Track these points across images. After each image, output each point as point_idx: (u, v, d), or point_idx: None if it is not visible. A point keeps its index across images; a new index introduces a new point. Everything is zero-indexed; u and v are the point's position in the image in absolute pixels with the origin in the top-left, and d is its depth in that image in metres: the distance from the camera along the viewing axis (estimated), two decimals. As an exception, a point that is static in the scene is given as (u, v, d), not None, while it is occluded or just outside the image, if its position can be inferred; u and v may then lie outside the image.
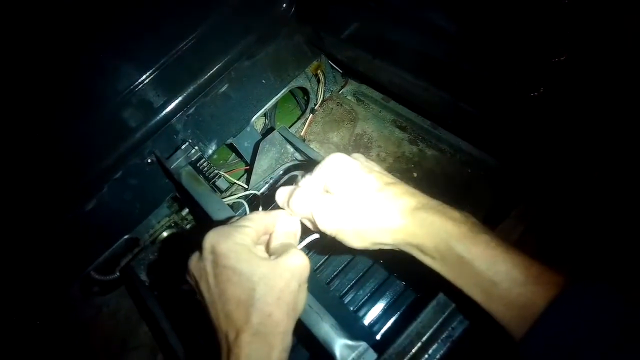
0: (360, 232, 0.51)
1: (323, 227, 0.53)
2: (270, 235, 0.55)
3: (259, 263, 0.48)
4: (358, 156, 0.57)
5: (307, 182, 0.56)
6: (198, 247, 0.51)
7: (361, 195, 0.51)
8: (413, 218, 0.49)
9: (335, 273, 0.88)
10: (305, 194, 0.55)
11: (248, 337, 0.46)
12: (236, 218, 0.55)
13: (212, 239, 0.49)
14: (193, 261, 0.51)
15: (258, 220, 0.53)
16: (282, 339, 0.47)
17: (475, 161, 1.05)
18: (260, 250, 0.54)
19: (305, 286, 0.51)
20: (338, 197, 0.52)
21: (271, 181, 1.08)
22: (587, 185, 0.67)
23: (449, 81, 0.88)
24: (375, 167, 0.56)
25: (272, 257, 0.50)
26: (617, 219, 0.63)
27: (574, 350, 0.39)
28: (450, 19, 0.81)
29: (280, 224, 0.55)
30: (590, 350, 0.38)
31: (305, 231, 0.58)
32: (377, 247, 0.52)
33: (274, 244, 0.53)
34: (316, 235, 0.58)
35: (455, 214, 0.49)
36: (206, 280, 0.49)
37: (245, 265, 0.47)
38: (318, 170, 0.55)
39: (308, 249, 0.90)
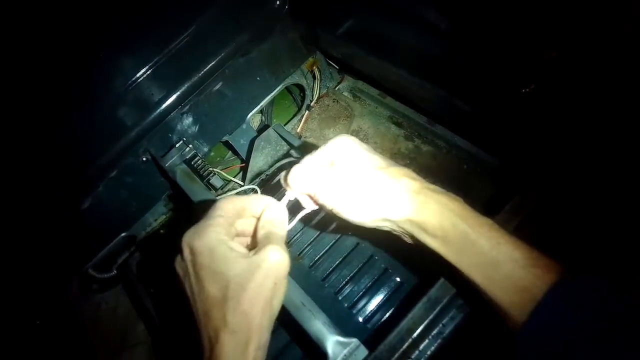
0: (363, 206, 0.51)
1: (324, 200, 0.53)
2: (256, 222, 0.53)
3: (234, 260, 0.47)
4: (363, 143, 0.57)
5: (310, 157, 0.56)
6: (178, 247, 0.50)
7: (366, 171, 0.51)
8: (419, 195, 0.49)
9: (331, 269, 0.88)
10: (306, 168, 0.54)
11: (226, 336, 0.46)
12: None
13: (188, 237, 0.49)
14: (177, 261, 0.51)
15: (226, 207, 0.52)
16: (257, 336, 0.47)
17: (471, 157, 1.05)
18: (240, 242, 0.53)
19: (283, 282, 0.50)
20: (342, 171, 0.53)
21: (266, 178, 1.08)
22: (580, 179, 0.67)
23: (443, 78, 0.88)
24: (380, 155, 0.56)
25: (252, 252, 0.50)
26: (611, 213, 0.63)
27: (574, 336, 0.39)
28: (443, 16, 0.81)
29: (266, 211, 0.53)
30: (589, 337, 0.39)
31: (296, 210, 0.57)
32: (377, 223, 0.52)
33: (260, 233, 0.52)
34: (306, 211, 0.57)
35: (459, 198, 0.50)
36: (188, 280, 0.49)
37: (220, 263, 0.47)
38: (324, 147, 0.55)
39: (303, 244, 0.90)
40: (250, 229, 0.54)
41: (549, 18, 0.58)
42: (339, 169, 0.53)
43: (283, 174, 0.57)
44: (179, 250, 0.50)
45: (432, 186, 0.51)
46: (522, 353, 0.42)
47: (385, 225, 0.53)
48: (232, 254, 0.48)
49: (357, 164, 0.52)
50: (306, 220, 0.58)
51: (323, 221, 0.89)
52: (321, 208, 0.56)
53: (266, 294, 0.47)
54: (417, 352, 0.58)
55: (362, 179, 0.51)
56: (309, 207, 0.58)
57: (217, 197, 0.97)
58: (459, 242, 0.47)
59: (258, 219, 0.54)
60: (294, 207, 0.58)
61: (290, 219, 0.57)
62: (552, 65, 0.62)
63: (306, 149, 1.02)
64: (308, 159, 0.56)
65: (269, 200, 0.54)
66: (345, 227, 0.54)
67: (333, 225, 0.89)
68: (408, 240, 0.54)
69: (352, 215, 0.52)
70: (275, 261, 0.48)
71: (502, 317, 0.45)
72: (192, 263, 0.48)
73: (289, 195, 0.57)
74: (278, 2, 1.10)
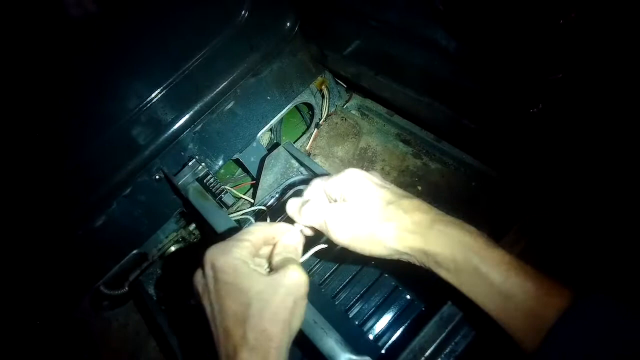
0: (376, 240, 0.52)
1: (336, 236, 0.54)
2: (273, 247, 0.55)
3: (256, 279, 0.49)
4: (375, 173, 0.58)
5: (319, 190, 0.57)
6: (200, 262, 0.52)
7: (378, 205, 0.52)
8: (431, 229, 0.50)
9: (341, 287, 0.89)
10: (318, 203, 0.55)
11: (245, 354, 0.47)
12: (237, 233, 0.55)
13: (211, 254, 0.50)
14: (197, 277, 0.52)
15: (257, 233, 0.54)
16: (276, 354, 0.48)
17: (478, 174, 1.06)
18: (260, 264, 0.55)
19: (303, 302, 0.51)
20: (353, 205, 0.53)
21: (277, 195, 1.10)
22: (586, 199, 0.68)
23: (450, 97, 0.90)
24: (391, 184, 0.57)
25: (271, 272, 0.51)
26: (617, 232, 0.64)
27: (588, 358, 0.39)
28: (450, 36, 0.83)
29: (282, 237, 0.55)
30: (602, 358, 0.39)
31: (310, 243, 0.59)
32: (391, 256, 0.53)
33: (276, 259, 0.54)
34: (321, 246, 0.58)
35: (472, 228, 0.50)
36: (208, 296, 0.50)
37: (242, 280, 0.48)
38: (334, 180, 0.56)
39: (313, 263, 0.91)
40: (267, 254, 0.56)
41: (555, 39, 0.60)
42: (350, 205, 0.54)
43: (292, 203, 0.58)
44: (201, 266, 0.51)
45: (445, 217, 0.51)
46: None
47: (404, 258, 0.53)
48: (254, 272, 0.49)
49: (367, 200, 0.53)
50: (317, 239, 0.59)
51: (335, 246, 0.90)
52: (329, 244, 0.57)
53: (286, 312, 0.49)
54: (430, 370, 0.58)
55: (375, 216, 0.52)
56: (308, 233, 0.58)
57: (230, 216, 0.99)
58: (471, 275, 0.48)
59: (274, 244, 0.55)
60: (308, 241, 0.59)
61: (304, 252, 0.58)
62: (560, 85, 0.63)
63: (315, 168, 1.03)
64: (318, 190, 0.57)
65: (287, 227, 0.56)
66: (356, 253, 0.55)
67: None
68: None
69: (366, 251, 0.53)
70: (296, 281, 0.49)
71: (517, 343, 0.45)
72: (214, 280, 0.49)
73: (299, 227, 0.58)
74: (288, 24, 1.13)
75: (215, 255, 0.50)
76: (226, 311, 0.48)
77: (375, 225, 0.51)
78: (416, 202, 0.53)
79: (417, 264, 0.53)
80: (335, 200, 0.56)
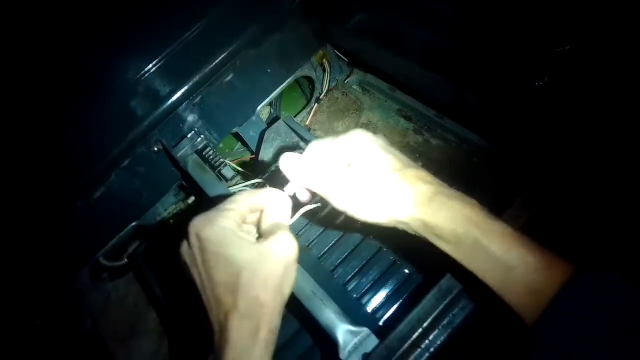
0: (376, 209, 0.51)
1: (337, 202, 0.53)
2: (261, 213, 0.54)
3: (245, 246, 0.48)
4: (380, 136, 0.57)
5: (320, 154, 0.56)
6: (185, 233, 0.51)
7: (382, 173, 0.51)
8: (433, 201, 0.49)
9: (339, 261, 0.89)
10: (320, 167, 0.54)
11: (236, 320, 0.47)
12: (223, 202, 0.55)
13: (195, 225, 0.50)
14: (183, 248, 0.52)
15: (242, 202, 0.53)
16: (268, 320, 0.48)
17: (480, 151, 1.05)
18: (248, 231, 0.54)
19: (293, 267, 0.51)
20: (357, 173, 0.52)
21: (276, 169, 1.09)
22: (589, 175, 0.68)
23: (454, 71, 0.88)
24: (396, 150, 0.56)
25: (260, 239, 0.51)
26: (620, 209, 0.64)
27: (587, 334, 0.40)
28: (455, 9, 0.81)
29: (270, 202, 0.54)
30: (601, 336, 0.39)
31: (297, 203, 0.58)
32: (390, 224, 0.52)
33: (264, 224, 0.53)
34: (310, 206, 0.58)
35: (473, 200, 0.50)
36: (196, 266, 0.50)
37: (230, 249, 0.48)
38: (338, 141, 0.55)
39: (314, 234, 0.91)
40: (255, 220, 0.55)
41: (562, 9, 0.58)
42: (354, 171, 0.53)
43: (287, 160, 0.55)
44: (185, 237, 0.51)
45: (447, 190, 0.51)
46: (537, 352, 0.42)
47: (399, 226, 0.53)
48: (242, 241, 0.49)
49: (372, 166, 0.52)
50: (314, 212, 0.59)
51: (331, 213, 0.90)
52: (328, 204, 0.55)
53: (277, 279, 0.49)
54: (427, 341, 0.59)
55: (377, 182, 0.51)
56: (305, 198, 0.57)
57: (230, 189, 0.98)
58: (471, 248, 0.47)
59: (261, 210, 0.54)
60: (297, 203, 0.58)
61: (293, 214, 0.57)
62: (566, 58, 0.62)
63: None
64: (318, 152, 0.55)
65: (274, 191, 0.55)
66: (354, 221, 0.54)
67: (341, 218, 0.89)
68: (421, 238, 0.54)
69: (365, 217, 0.53)
70: (286, 246, 0.49)
71: (518, 316, 0.46)
72: (200, 250, 0.49)
73: (292, 187, 0.57)
74: (290, -6, 1.10)
75: (200, 225, 0.49)
76: (216, 280, 0.48)
77: (377, 193, 0.51)
78: (420, 172, 0.52)
79: (414, 233, 0.53)
80: (340, 165, 0.55)
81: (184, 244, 0.52)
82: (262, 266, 0.48)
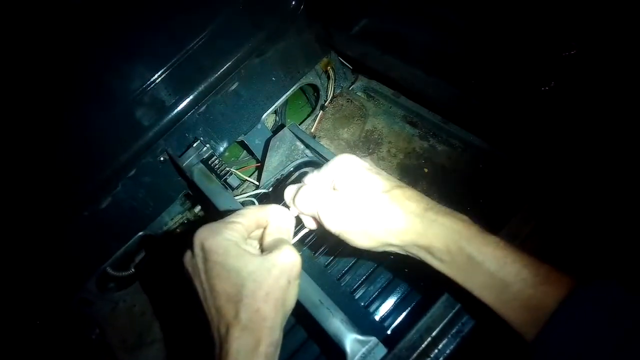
0: (367, 232, 0.51)
1: (328, 226, 0.53)
2: (264, 229, 0.55)
3: (248, 259, 0.48)
4: (367, 159, 0.57)
5: (314, 179, 0.57)
6: (190, 244, 0.51)
7: (369, 195, 0.51)
8: (422, 219, 0.49)
9: (346, 269, 0.89)
10: (311, 192, 0.55)
11: (237, 332, 0.47)
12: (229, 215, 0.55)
13: (201, 235, 0.50)
14: (187, 257, 0.52)
15: (249, 216, 0.53)
16: (269, 333, 0.48)
17: (486, 156, 1.04)
18: (252, 245, 0.54)
19: (296, 282, 0.51)
20: (345, 196, 0.52)
21: (281, 178, 1.09)
22: (593, 181, 0.67)
23: (459, 76, 0.88)
24: (383, 172, 0.56)
25: (264, 253, 0.51)
26: (624, 218, 0.63)
27: (586, 349, 0.39)
28: (460, 13, 0.81)
29: (274, 219, 0.55)
30: (602, 350, 0.38)
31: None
32: (383, 248, 0.52)
33: (267, 240, 0.53)
34: (306, 230, 0.58)
35: (464, 216, 0.49)
36: (198, 276, 0.50)
37: (234, 261, 0.48)
38: (326, 168, 0.55)
39: (320, 242, 0.91)
40: (259, 235, 0.56)
41: (568, 14, 0.58)
42: (341, 194, 0.53)
43: (288, 191, 0.58)
44: (190, 247, 0.51)
45: (437, 207, 0.50)
46: None
47: (393, 250, 0.53)
48: (246, 253, 0.49)
49: (359, 188, 0.52)
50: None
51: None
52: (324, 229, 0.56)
53: (279, 292, 0.48)
54: (436, 350, 0.58)
55: (365, 206, 0.51)
56: (310, 226, 0.58)
57: (235, 198, 0.98)
58: (465, 265, 0.47)
59: (266, 226, 0.55)
60: (299, 222, 0.58)
61: (296, 232, 0.58)
62: (572, 62, 0.61)
63: (321, 150, 1.02)
64: (314, 179, 0.56)
65: (280, 209, 0.56)
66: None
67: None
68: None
69: (358, 243, 0.52)
70: (289, 260, 0.49)
71: (516, 332, 0.45)
72: (204, 260, 0.49)
73: (294, 211, 0.58)
74: (294, 3, 1.11)
75: (205, 235, 0.49)
76: (218, 291, 0.48)
77: (366, 217, 0.51)
78: (408, 192, 0.52)
79: (409, 255, 0.52)
80: (331, 188, 0.56)
81: (188, 254, 0.52)
82: (265, 279, 0.48)
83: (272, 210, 0.55)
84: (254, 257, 0.49)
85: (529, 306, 0.42)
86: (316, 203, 0.54)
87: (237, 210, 0.54)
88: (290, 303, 0.51)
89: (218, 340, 0.48)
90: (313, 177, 0.57)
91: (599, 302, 0.40)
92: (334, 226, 0.53)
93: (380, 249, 0.52)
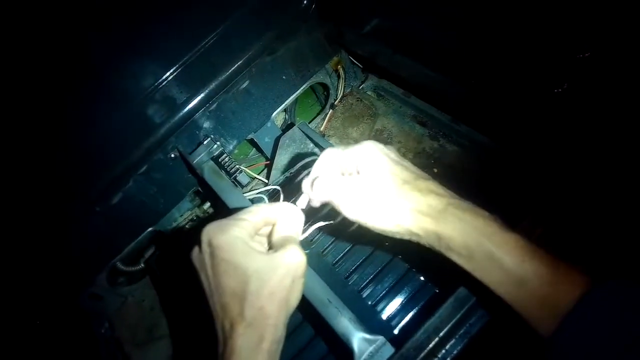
0: (388, 217, 0.51)
1: (346, 210, 0.53)
2: (273, 226, 0.55)
3: (255, 257, 0.49)
4: (391, 148, 0.57)
5: (333, 161, 0.57)
6: (197, 239, 0.52)
7: (392, 184, 0.51)
8: (445, 212, 0.49)
9: (354, 268, 0.89)
10: (329, 177, 0.55)
11: (241, 329, 0.47)
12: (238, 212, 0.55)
13: (208, 231, 0.50)
14: (194, 253, 0.52)
15: (257, 213, 0.53)
16: (273, 331, 0.48)
17: (497, 157, 1.03)
18: (260, 242, 0.54)
19: (300, 281, 0.51)
20: (367, 180, 0.53)
21: (291, 176, 1.09)
22: (608, 184, 0.66)
23: (471, 76, 0.87)
24: (407, 162, 0.56)
25: (271, 250, 0.51)
26: (634, 220, 0.62)
27: (602, 348, 0.39)
28: (473, 13, 0.80)
29: (283, 217, 0.55)
30: (617, 348, 0.38)
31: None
32: (401, 234, 0.52)
33: (275, 237, 0.54)
34: (320, 224, 0.58)
35: (485, 212, 0.49)
36: (205, 272, 0.50)
37: (240, 258, 0.48)
38: (349, 151, 0.55)
39: (328, 240, 0.91)
40: (268, 233, 0.56)
41: (582, 16, 0.58)
42: (363, 180, 0.53)
43: (306, 180, 0.58)
44: (198, 243, 0.52)
45: (459, 202, 0.50)
46: None
47: (411, 238, 0.53)
48: (252, 251, 0.49)
49: (382, 176, 0.52)
50: (329, 218, 0.60)
51: (345, 222, 0.89)
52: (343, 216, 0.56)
53: (284, 291, 0.49)
54: (443, 351, 0.58)
55: (388, 194, 0.51)
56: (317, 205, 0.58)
57: (245, 195, 0.99)
58: (484, 261, 0.47)
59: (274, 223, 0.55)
60: (310, 217, 0.59)
61: (305, 229, 0.58)
62: (586, 65, 0.61)
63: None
64: (330, 162, 0.56)
65: (288, 206, 0.56)
66: (368, 230, 0.54)
67: (354, 226, 0.89)
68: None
69: (376, 225, 0.52)
70: (295, 259, 0.49)
71: (532, 328, 0.45)
72: (211, 256, 0.49)
73: (304, 201, 0.58)
74: (305, 2, 1.11)
75: (213, 232, 0.50)
76: (223, 288, 0.48)
77: (389, 203, 0.51)
78: (432, 184, 0.52)
79: (427, 246, 0.52)
80: (350, 174, 0.56)
81: (195, 249, 0.52)
82: (271, 277, 0.48)
83: (281, 208, 0.55)
84: (261, 255, 0.49)
85: (546, 303, 0.43)
86: (334, 187, 0.54)
87: (246, 207, 0.55)
88: (294, 301, 0.52)
89: (222, 336, 0.49)
90: (330, 159, 0.57)
91: (616, 302, 0.40)
92: (352, 210, 0.53)
93: (400, 234, 0.52)
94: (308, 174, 0.59)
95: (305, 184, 0.58)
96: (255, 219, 0.53)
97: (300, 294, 0.52)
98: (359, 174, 0.54)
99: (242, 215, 0.53)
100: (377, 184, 0.52)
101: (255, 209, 0.54)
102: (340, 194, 0.53)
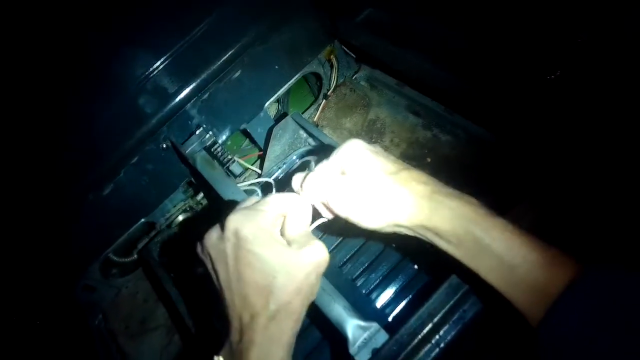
0: (376, 213, 0.51)
1: (337, 210, 0.53)
2: (284, 218, 0.55)
3: (282, 251, 0.49)
4: (375, 145, 0.57)
5: (322, 166, 0.57)
6: (220, 226, 0.51)
7: (377, 178, 0.51)
8: (430, 201, 0.49)
9: (348, 257, 0.89)
10: (319, 177, 0.55)
11: (264, 321, 0.47)
12: (254, 200, 0.55)
13: (236, 221, 0.49)
14: (212, 240, 0.51)
15: (274, 204, 0.53)
16: (295, 326, 0.49)
17: (490, 147, 1.04)
18: (278, 234, 0.54)
19: (320, 279, 0.52)
20: (353, 179, 0.53)
21: (284, 167, 1.09)
22: (599, 173, 0.67)
23: (465, 65, 0.87)
24: (392, 156, 0.56)
25: (294, 246, 0.50)
26: (628, 206, 0.63)
27: (593, 333, 0.39)
28: (466, 2, 0.80)
29: (294, 209, 0.55)
30: (609, 333, 0.38)
31: (315, 215, 0.58)
32: (392, 229, 0.52)
33: (290, 230, 0.53)
34: (324, 219, 0.58)
35: (472, 198, 0.49)
36: (224, 262, 0.50)
37: (267, 251, 0.48)
38: (335, 154, 0.55)
39: (320, 232, 0.91)
40: (279, 225, 0.55)
41: (577, 3, 0.57)
42: (349, 178, 0.53)
43: (296, 179, 0.58)
44: (221, 229, 0.51)
45: (445, 189, 0.50)
46: (542, 351, 0.42)
47: (401, 231, 0.53)
48: (278, 245, 0.49)
49: (367, 171, 0.52)
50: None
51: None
52: (335, 216, 0.56)
53: (309, 287, 0.50)
54: (437, 337, 0.59)
55: (373, 187, 0.51)
56: (324, 214, 0.58)
57: (238, 185, 0.98)
58: (473, 248, 0.47)
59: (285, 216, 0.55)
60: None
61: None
62: (579, 51, 0.61)
63: (323, 139, 1.02)
64: (322, 166, 0.56)
65: (299, 199, 0.56)
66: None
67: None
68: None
69: (366, 223, 0.52)
70: (322, 257, 0.50)
71: (522, 315, 0.45)
72: (235, 246, 0.49)
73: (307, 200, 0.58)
74: (298, -10, 1.10)
75: (240, 222, 0.49)
76: (245, 279, 0.48)
77: (374, 199, 0.51)
78: (415, 174, 0.52)
79: (417, 236, 0.52)
80: (339, 173, 0.56)
81: (214, 236, 0.51)
82: (298, 273, 0.48)
83: (292, 200, 0.55)
84: (287, 250, 0.49)
85: (535, 289, 0.43)
86: (324, 188, 0.54)
87: (240, 198, 0.55)
88: (314, 297, 0.52)
89: (239, 326, 0.49)
90: (321, 164, 0.57)
91: (606, 286, 0.40)
92: (343, 210, 0.53)
93: (389, 230, 0.52)
94: (301, 165, 0.58)
95: (295, 182, 0.58)
96: (274, 210, 0.52)
97: (317, 290, 0.53)
98: (344, 172, 0.54)
99: (263, 206, 0.52)
100: (362, 181, 0.52)
101: (271, 200, 0.54)
102: (329, 194, 0.53)
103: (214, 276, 0.52)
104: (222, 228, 0.50)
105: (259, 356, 0.47)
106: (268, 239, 0.49)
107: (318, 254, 0.50)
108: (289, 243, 0.52)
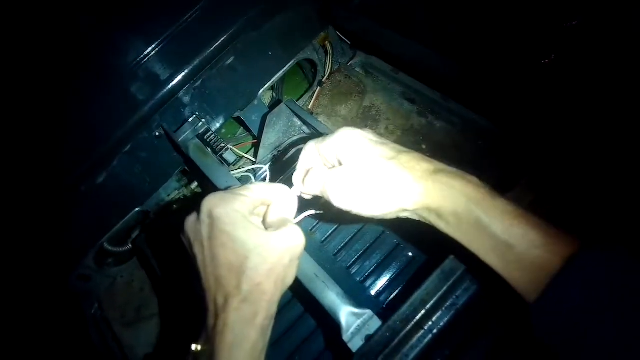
0: (378, 202, 0.51)
1: (337, 202, 0.53)
2: (268, 207, 0.55)
3: (255, 232, 0.48)
4: (368, 130, 0.56)
5: (314, 153, 0.56)
6: (196, 209, 0.51)
7: (376, 165, 0.51)
8: (433, 181, 0.48)
9: (342, 245, 0.89)
10: (317, 171, 0.55)
11: (236, 303, 0.47)
12: (236, 187, 0.55)
13: (210, 202, 0.49)
14: (189, 222, 0.51)
15: (256, 191, 0.53)
16: (267, 307, 0.49)
17: (485, 133, 1.03)
18: (256, 220, 0.54)
19: (296, 262, 0.51)
20: (353, 169, 0.52)
21: (278, 154, 1.08)
22: (594, 155, 0.66)
23: (460, 50, 0.86)
24: (387, 140, 0.55)
25: (269, 229, 0.51)
26: (625, 187, 0.62)
27: (589, 311, 0.39)
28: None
29: (279, 198, 0.55)
30: (605, 311, 0.38)
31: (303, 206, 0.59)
32: (396, 215, 0.52)
33: (271, 217, 0.54)
34: (311, 212, 0.58)
35: (474, 178, 0.49)
36: (200, 243, 0.50)
37: (241, 232, 0.48)
38: (328, 142, 0.55)
39: (315, 220, 0.91)
40: (262, 213, 0.56)
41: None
42: (348, 168, 0.52)
43: (297, 175, 0.58)
44: (196, 212, 0.51)
45: (446, 169, 0.50)
46: (537, 329, 0.42)
47: (404, 215, 0.52)
48: (252, 227, 0.49)
49: (366, 159, 0.51)
50: (318, 207, 0.61)
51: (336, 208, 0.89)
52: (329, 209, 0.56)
53: (282, 269, 0.49)
54: (430, 322, 0.59)
55: (375, 175, 0.50)
56: (323, 208, 0.58)
57: (232, 173, 0.98)
58: (472, 227, 0.46)
59: (269, 205, 0.55)
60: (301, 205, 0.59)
61: (296, 215, 0.58)
62: (573, 34, 0.60)
63: (318, 126, 1.01)
64: (314, 154, 0.56)
65: (284, 189, 0.56)
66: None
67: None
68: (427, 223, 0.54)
69: (371, 212, 0.52)
70: (295, 239, 0.50)
71: (520, 294, 0.45)
72: (210, 227, 0.49)
73: (297, 191, 0.58)
74: (291, -26, 1.08)
75: (215, 203, 0.49)
76: (220, 260, 0.48)
77: (378, 187, 0.50)
78: (415, 155, 0.51)
79: (418, 219, 0.52)
80: (334, 165, 0.55)
81: (191, 219, 0.51)
82: (270, 254, 0.48)
83: (277, 189, 0.55)
84: (261, 232, 0.49)
85: (534, 267, 0.42)
86: (322, 180, 0.53)
87: (235, 185, 0.54)
88: (289, 280, 0.52)
89: (214, 310, 0.49)
90: (313, 151, 0.56)
91: (602, 265, 0.40)
92: (342, 202, 0.52)
93: (392, 216, 0.52)
94: (295, 152, 0.58)
95: (296, 179, 0.58)
96: (254, 196, 0.52)
97: (295, 273, 0.53)
98: (341, 164, 0.53)
99: (242, 191, 0.52)
100: (361, 170, 0.51)
101: (254, 187, 0.54)
102: (328, 187, 0.53)
103: (193, 260, 0.52)
104: (199, 210, 0.50)
105: (232, 340, 0.47)
106: (241, 220, 0.49)
107: (292, 237, 0.50)
108: (266, 228, 0.52)
